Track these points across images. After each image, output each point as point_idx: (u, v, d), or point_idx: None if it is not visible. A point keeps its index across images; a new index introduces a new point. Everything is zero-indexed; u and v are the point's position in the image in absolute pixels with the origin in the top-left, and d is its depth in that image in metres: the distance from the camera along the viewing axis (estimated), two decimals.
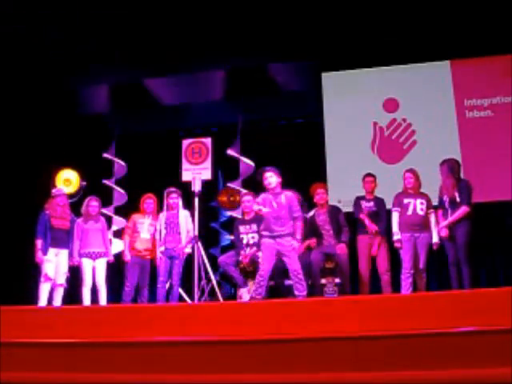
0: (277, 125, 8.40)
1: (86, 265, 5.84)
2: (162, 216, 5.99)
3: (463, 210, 5.09)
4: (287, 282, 5.54)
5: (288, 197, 5.00)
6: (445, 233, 5.15)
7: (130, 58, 7.55)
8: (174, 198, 5.99)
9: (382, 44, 7.23)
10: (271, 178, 4.98)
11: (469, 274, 4.99)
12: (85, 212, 6.00)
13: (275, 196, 4.98)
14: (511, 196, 6.57)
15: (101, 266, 5.89)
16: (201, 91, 8.18)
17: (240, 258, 5.69)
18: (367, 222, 5.63)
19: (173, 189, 6.06)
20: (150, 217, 6.08)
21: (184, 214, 6.03)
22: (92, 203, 6.00)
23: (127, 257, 5.95)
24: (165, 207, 6.03)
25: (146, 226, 6.04)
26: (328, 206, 5.81)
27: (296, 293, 4.84)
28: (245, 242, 5.78)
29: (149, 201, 6.12)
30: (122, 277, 6.04)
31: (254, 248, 5.67)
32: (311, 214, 5.82)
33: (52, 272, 5.68)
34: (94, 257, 5.88)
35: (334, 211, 5.75)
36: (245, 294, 5.47)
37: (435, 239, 5.30)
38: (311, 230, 5.70)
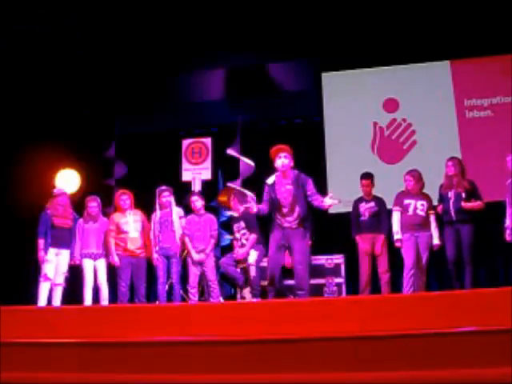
0: (277, 125, 8.39)
1: (87, 265, 5.84)
2: (155, 215, 5.92)
3: (480, 203, 5.24)
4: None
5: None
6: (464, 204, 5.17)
7: (129, 58, 7.57)
8: (167, 196, 5.93)
9: (381, 44, 7.23)
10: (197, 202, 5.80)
11: (472, 274, 5.04)
12: (85, 212, 6.00)
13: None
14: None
15: (101, 266, 5.88)
16: (201, 91, 8.19)
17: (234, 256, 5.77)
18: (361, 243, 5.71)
19: (164, 187, 5.99)
20: (131, 213, 5.96)
21: (177, 212, 5.97)
22: (91, 204, 5.97)
23: (116, 261, 5.78)
24: (157, 206, 5.97)
25: (131, 225, 5.90)
26: None
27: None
28: (238, 237, 5.82)
29: (124, 197, 5.98)
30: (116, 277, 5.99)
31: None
32: None
33: (51, 272, 5.69)
34: (93, 257, 5.88)
35: None
36: (247, 294, 5.47)
37: (436, 241, 5.32)
38: None
